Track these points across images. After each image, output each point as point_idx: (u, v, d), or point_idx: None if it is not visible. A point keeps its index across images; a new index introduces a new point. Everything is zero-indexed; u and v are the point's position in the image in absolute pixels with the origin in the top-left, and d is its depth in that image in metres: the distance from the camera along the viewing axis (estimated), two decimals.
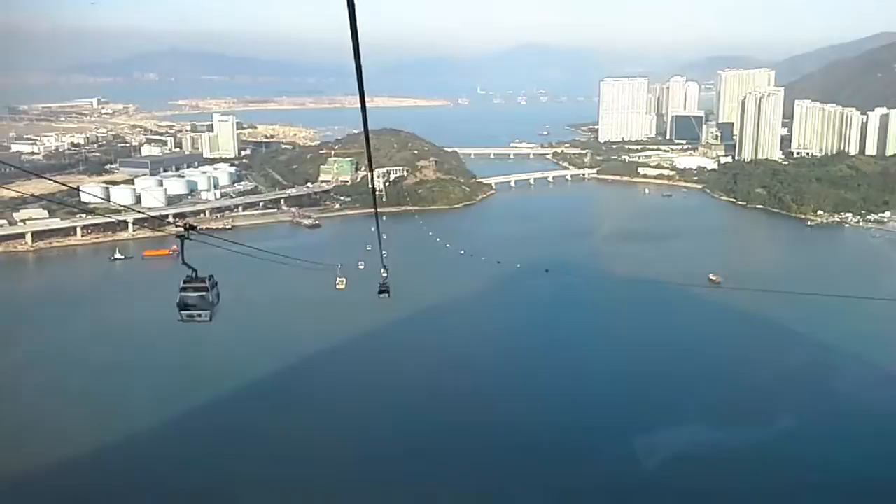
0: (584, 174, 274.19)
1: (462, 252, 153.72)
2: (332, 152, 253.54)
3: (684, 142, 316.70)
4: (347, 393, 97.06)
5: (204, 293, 21.94)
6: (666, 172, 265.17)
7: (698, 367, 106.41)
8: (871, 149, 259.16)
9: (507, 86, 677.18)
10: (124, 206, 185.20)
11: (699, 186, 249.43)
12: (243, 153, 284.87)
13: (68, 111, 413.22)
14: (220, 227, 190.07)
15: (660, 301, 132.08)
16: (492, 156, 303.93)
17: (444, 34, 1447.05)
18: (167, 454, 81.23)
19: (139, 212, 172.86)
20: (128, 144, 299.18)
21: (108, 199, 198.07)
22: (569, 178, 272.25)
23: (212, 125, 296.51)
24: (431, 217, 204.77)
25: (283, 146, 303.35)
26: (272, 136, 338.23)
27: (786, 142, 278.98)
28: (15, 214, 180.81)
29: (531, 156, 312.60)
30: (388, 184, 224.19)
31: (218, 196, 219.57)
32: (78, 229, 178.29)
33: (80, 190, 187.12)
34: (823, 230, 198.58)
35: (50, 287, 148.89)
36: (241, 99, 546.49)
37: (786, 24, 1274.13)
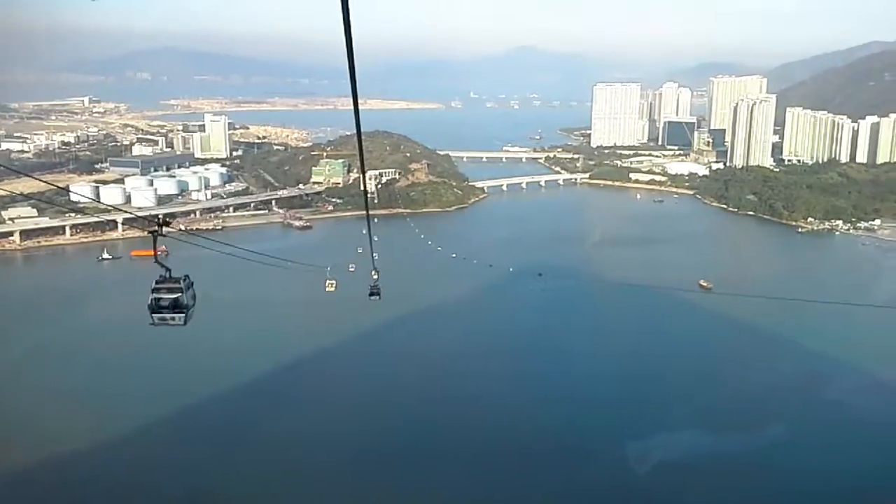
0: (576, 179, 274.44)
1: (454, 255, 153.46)
2: (324, 154, 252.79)
3: (676, 148, 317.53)
4: (337, 395, 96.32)
5: (178, 294, 20.47)
6: (658, 178, 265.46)
7: (690, 372, 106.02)
8: (861, 157, 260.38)
9: (500, 90, 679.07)
10: (111, 206, 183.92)
11: (690, 192, 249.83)
12: (235, 154, 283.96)
13: (59, 109, 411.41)
14: (211, 227, 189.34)
15: (651, 306, 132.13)
16: (484, 159, 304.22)
17: (438, 37, 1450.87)
18: (153, 456, 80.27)
19: (126, 211, 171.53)
20: (119, 144, 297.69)
21: (97, 199, 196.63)
22: (561, 182, 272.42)
23: (203, 125, 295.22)
24: (423, 220, 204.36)
25: (275, 147, 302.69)
26: (264, 137, 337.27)
27: (777, 149, 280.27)
28: (3, 213, 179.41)
29: (523, 160, 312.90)
30: (379, 186, 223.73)
31: (208, 196, 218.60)
32: (67, 228, 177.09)
33: (68, 190, 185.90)
34: (814, 237, 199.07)
35: (33, 287, 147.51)
36: (233, 99, 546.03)
37: (777, 32, 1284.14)
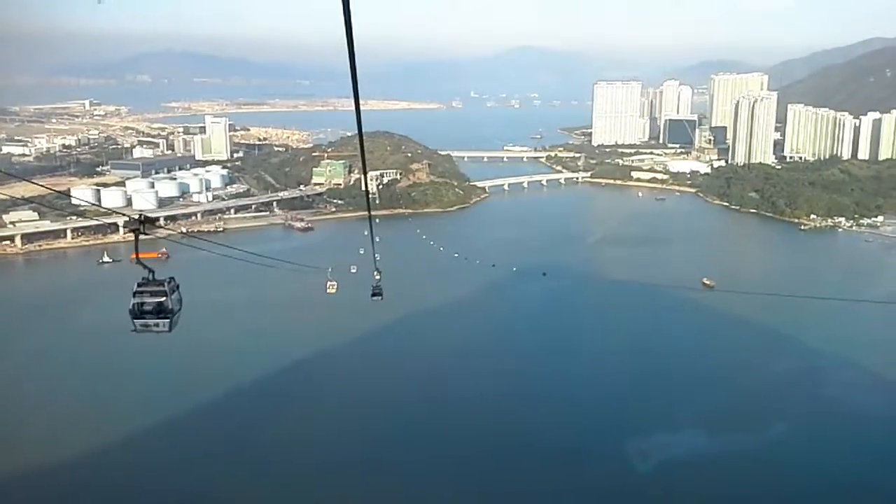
0: (577, 178, 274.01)
1: (456, 255, 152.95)
2: (325, 155, 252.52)
3: (677, 146, 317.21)
4: (339, 396, 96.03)
5: (162, 298, 18.78)
6: (659, 176, 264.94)
7: (692, 370, 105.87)
8: (863, 153, 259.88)
9: (501, 89, 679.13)
10: (107, 209, 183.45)
11: (692, 190, 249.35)
12: (236, 155, 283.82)
13: (60, 113, 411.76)
14: (212, 229, 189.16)
15: (654, 305, 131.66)
16: (485, 159, 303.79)
17: (439, 38, 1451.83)
18: (149, 460, 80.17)
19: (124, 215, 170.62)
20: (119, 146, 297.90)
21: (98, 202, 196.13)
22: (562, 181, 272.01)
23: (204, 127, 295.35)
24: (425, 220, 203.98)
25: (276, 149, 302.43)
26: (265, 139, 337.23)
27: (779, 146, 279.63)
28: (4, 216, 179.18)
29: (525, 159, 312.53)
30: (381, 187, 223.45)
31: (210, 198, 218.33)
32: (68, 231, 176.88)
33: (68, 194, 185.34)
34: (817, 234, 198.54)
35: (33, 290, 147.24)
36: (233, 101, 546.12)
37: (778, 30, 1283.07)
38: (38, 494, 74.51)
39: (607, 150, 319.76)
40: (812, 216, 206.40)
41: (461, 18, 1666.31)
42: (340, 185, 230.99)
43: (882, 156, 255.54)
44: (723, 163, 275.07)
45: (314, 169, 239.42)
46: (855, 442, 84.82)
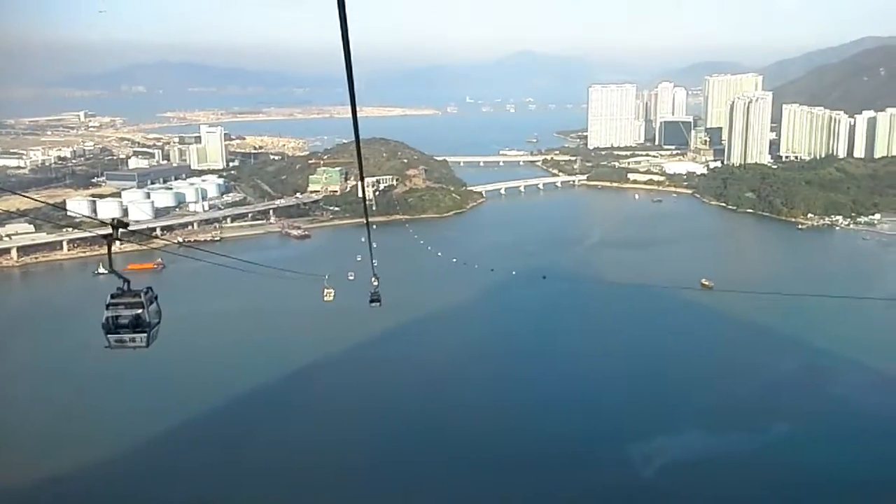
0: (574, 181, 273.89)
1: (454, 260, 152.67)
2: (321, 162, 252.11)
3: (673, 147, 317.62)
4: (336, 404, 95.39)
5: (139, 311, 17.10)
6: (656, 178, 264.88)
7: (693, 371, 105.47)
8: (859, 151, 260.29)
9: (496, 94, 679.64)
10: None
11: (689, 191, 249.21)
12: (231, 164, 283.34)
13: (55, 125, 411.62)
14: (209, 238, 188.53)
15: (653, 306, 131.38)
16: (481, 164, 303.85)
17: (433, 44, 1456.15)
18: (152, 468, 79.69)
19: (93, 218, 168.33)
20: (115, 157, 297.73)
21: (94, 213, 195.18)
22: (559, 184, 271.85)
23: (199, 137, 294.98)
24: (422, 226, 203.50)
25: (272, 157, 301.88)
26: (260, 147, 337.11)
27: (774, 146, 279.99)
28: (0, 230, 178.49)
29: (521, 163, 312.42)
30: (377, 193, 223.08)
31: (206, 208, 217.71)
32: (64, 243, 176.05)
33: (62, 208, 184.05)
34: (814, 233, 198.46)
35: (28, 302, 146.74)
36: (229, 110, 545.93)
37: (771, 30, 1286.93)
38: None
39: (603, 152, 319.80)
40: (809, 215, 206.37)
41: (455, 25, 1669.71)
42: (337, 192, 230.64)
43: (878, 154, 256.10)
44: (719, 163, 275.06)
45: (310, 176, 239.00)
46: (858, 441, 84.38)
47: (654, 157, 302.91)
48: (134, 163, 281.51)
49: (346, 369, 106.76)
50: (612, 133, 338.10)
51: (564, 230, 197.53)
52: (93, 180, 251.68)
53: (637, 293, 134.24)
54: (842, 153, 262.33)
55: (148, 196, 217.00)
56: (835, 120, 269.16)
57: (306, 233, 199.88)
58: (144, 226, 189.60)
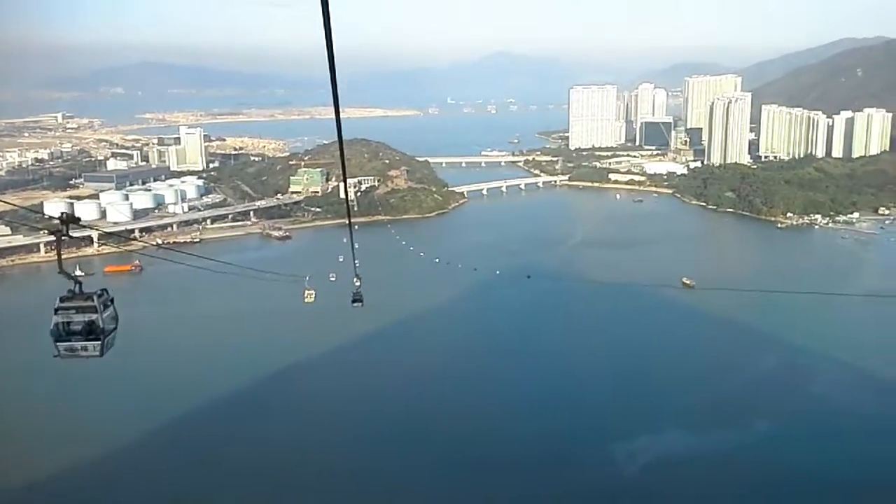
0: (555, 181, 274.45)
1: (437, 260, 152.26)
2: (302, 163, 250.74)
3: (654, 148, 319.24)
4: (315, 406, 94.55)
5: (92, 316, 15.10)
6: (636, 178, 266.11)
7: (675, 370, 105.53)
8: (837, 151, 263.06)
9: (477, 95, 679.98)
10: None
11: (669, 191, 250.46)
12: (211, 166, 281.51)
13: (32, 126, 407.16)
14: (188, 240, 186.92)
15: (635, 305, 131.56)
16: (463, 164, 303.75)
17: (414, 46, 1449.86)
18: (129, 471, 78.79)
19: (36, 211, 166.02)
20: (93, 159, 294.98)
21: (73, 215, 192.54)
22: (540, 185, 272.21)
23: (179, 138, 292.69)
24: (404, 226, 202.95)
25: (252, 158, 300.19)
26: (241, 148, 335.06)
27: (754, 146, 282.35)
28: None
29: (502, 164, 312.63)
30: (359, 194, 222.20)
31: (185, 209, 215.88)
32: (41, 245, 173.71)
33: (39, 211, 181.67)
34: (794, 232, 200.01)
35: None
36: (208, 111, 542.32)
37: (750, 32, 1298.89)
38: None
39: (584, 153, 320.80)
40: (789, 214, 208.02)
41: (435, 26, 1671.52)
42: (318, 192, 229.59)
43: (855, 154, 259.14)
44: (699, 164, 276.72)
45: (291, 177, 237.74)
46: (836, 439, 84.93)
47: (634, 157, 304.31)
48: (112, 164, 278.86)
49: (327, 371, 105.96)
50: (593, 133, 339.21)
51: (547, 230, 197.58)
52: (71, 182, 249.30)
53: (619, 292, 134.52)
54: (820, 153, 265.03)
55: (126, 198, 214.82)
56: (813, 120, 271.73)
57: (287, 234, 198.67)
58: (123, 227, 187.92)
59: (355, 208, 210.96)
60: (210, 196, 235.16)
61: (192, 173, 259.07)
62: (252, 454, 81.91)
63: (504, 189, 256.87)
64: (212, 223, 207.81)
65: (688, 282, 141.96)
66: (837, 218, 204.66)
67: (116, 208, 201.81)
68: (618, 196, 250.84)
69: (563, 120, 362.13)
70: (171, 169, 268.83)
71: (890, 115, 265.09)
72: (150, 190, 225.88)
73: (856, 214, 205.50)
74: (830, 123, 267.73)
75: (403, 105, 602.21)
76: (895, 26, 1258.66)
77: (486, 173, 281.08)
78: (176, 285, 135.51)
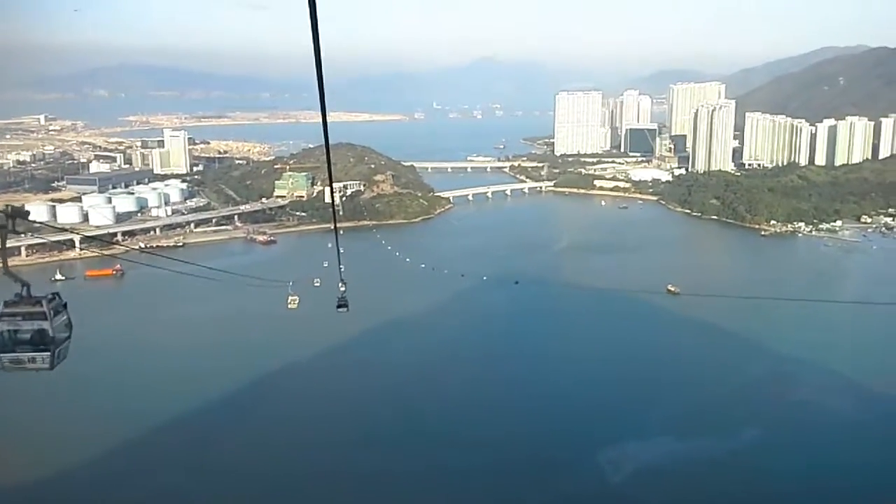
0: (541, 187, 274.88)
1: (423, 265, 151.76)
2: (287, 167, 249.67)
3: (639, 154, 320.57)
4: (298, 410, 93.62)
5: (42, 323, 13.36)
6: (621, 185, 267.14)
7: (661, 376, 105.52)
8: (820, 159, 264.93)
9: (463, 100, 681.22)
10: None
11: (654, 198, 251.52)
12: (195, 169, 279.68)
13: (14, 128, 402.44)
14: (171, 244, 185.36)
15: (621, 311, 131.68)
16: (449, 169, 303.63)
17: (400, 51, 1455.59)
18: (114, 472, 77.58)
19: (71, 231, 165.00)
20: (76, 161, 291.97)
21: (55, 218, 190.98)
22: (526, 191, 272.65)
23: (162, 141, 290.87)
24: (389, 231, 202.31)
25: (237, 161, 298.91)
26: (225, 152, 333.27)
27: (738, 153, 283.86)
28: None
29: (488, 169, 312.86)
30: (344, 198, 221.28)
31: (169, 213, 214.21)
32: (22, 249, 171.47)
33: (20, 214, 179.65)
34: (777, 240, 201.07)
35: None
36: (193, 114, 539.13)
37: (733, 39, 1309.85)
38: None
39: (570, 159, 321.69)
40: (772, 222, 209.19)
41: (422, 32, 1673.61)
42: (303, 197, 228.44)
43: (838, 161, 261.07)
44: (683, 171, 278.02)
45: (276, 181, 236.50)
46: (822, 446, 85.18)
47: (619, 164, 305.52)
48: (95, 167, 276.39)
49: (309, 377, 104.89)
50: (578, 140, 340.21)
51: (532, 236, 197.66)
52: (53, 185, 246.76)
53: (606, 298, 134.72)
54: (803, 161, 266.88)
55: (109, 201, 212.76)
56: (796, 128, 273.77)
57: (272, 238, 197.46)
58: (105, 231, 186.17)
59: (341, 213, 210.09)
60: (194, 200, 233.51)
61: (175, 176, 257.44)
62: (233, 457, 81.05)
63: (490, 194, 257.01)
64: (195, 227, 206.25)
65: (673, 288, 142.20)
66: (820, 226, 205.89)
67: (99, 211, 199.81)
68: (603, 202, 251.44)
69: (549, 126, 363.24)
70: (155, 172, 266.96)
71: (872, 123, 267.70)
72: (133, 193, 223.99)
73: (839, 222, 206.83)
74: (813, 131, 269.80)
75: (389, 110, 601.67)
76: (876, 35, 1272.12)
77: (472, 179, 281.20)
78: (158, 290, 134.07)
